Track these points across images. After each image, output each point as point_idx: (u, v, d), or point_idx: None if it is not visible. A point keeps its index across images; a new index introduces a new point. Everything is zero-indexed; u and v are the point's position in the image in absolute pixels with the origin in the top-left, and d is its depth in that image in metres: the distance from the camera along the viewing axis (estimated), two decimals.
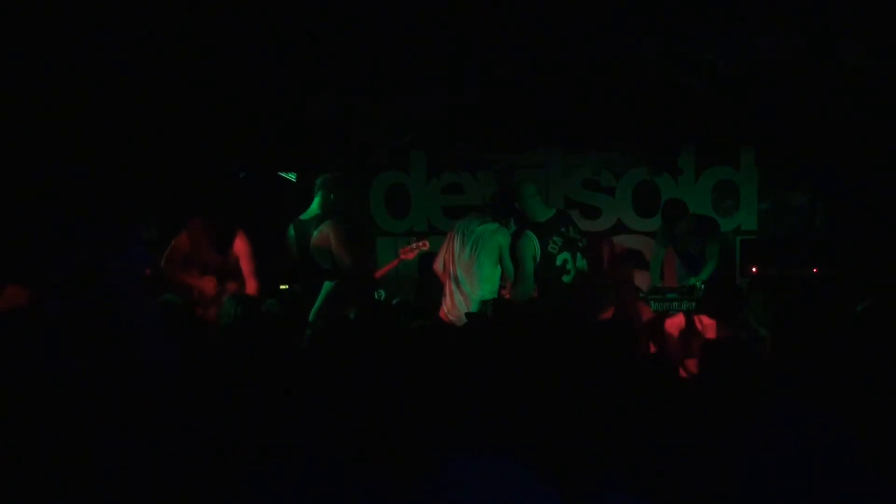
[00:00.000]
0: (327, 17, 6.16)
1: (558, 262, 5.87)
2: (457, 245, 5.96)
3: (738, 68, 6.73)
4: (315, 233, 6.03)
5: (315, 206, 6.16)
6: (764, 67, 6.68)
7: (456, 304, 5.97)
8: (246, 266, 5.63)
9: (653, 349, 4.64)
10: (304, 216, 6.18)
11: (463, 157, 8.12)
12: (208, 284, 5.59)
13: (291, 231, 6.16)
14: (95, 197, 6.77)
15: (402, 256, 6.58)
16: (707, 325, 5.10)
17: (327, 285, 5.96)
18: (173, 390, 2.97)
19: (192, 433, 2.71)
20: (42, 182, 6.60)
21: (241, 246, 5.66)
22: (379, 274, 6.65)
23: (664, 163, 7.81)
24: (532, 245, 5.84)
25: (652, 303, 6.20)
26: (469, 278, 5.92)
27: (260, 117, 7.25)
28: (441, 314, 6.03)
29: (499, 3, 6.15)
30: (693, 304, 5.87)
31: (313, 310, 5.88)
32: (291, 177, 7.78)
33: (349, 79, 7.16)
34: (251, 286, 5.63)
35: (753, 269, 6.75)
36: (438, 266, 6.15)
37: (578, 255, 5.99)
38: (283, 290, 6.20)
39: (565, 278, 5.88)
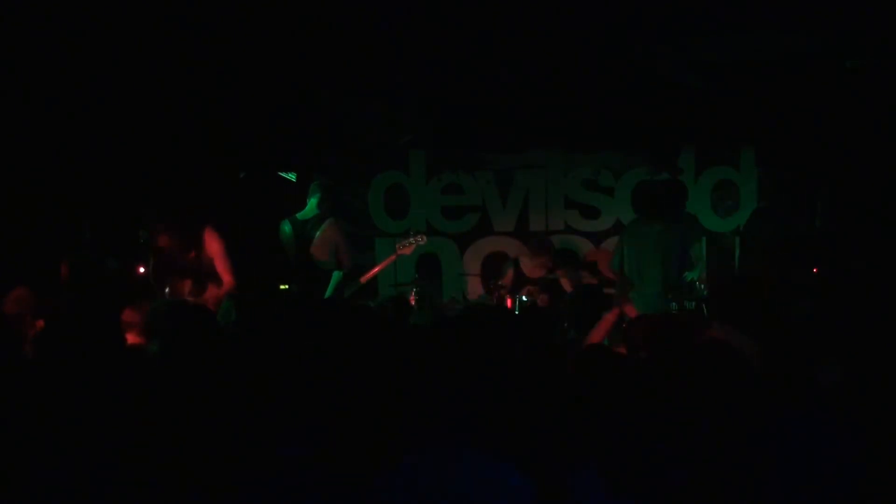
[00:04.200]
0: (328, 17, 6.15)
1: None
2: None
3: (738, 68, 6.73)
4: (317, 232, 6.12)
5: (312, 206, 6.23)
6: (764, 67, 6.67)
7: None
8: (220, 265, 5.49)
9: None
10: (300, 216, 6.24)
11: (463, 157, 8.11)
12: (184, 287, 5.56)
13: (288, 229, 6.19)
14: (99, 200, 6.79)
15: (400, 252, 6.62)
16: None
17: (336, 275, 6.08)
18: (171, 388, 2.97)
19: (174, 431, 2.71)
20: (44, 185, 6.60)
21: (212, 246, 5.56)
22: (376, 270, 6.67)
23: (664, 163, 7.81)
24: None
25: None
26: None
27: (260, 117, 7.25)
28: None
29: (499, 4, 6.15)
30: (693, 303, 5.87)
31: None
32: (291, 177, 7.78)
33: (349, 78, 7.16)
34: (226, 283, 5.49)
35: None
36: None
37: None
38: (283, 290, 6.21)
39: None
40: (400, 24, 6.27)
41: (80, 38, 5.96)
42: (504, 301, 6.86)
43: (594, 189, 8.03)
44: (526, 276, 7.12)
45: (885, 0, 5.76)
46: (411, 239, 6.63)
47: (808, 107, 6.88)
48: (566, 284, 6.92)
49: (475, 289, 8.07)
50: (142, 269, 5.66)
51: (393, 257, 6.68)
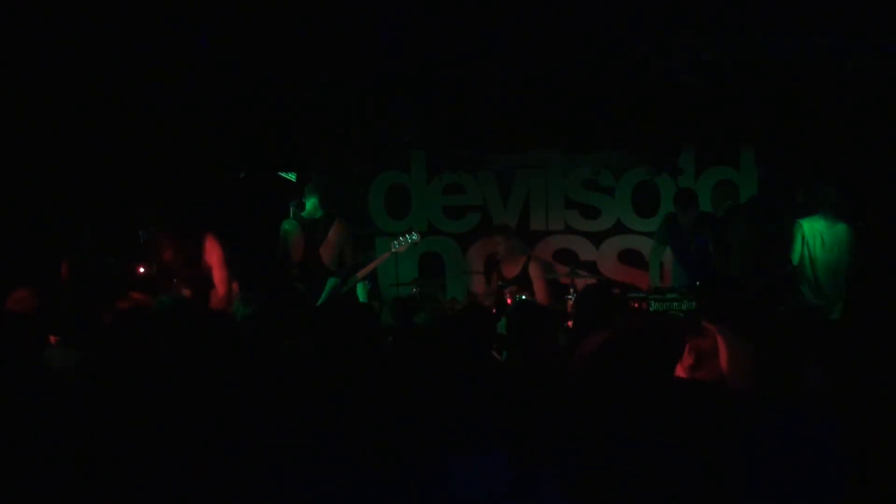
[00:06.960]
0: (328, 17, 6.16)
1: None
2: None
3: (738, 68, 6.73)
4: (328, 233, 6.18)
5: (313, 207, 6.24)
6: (764, 67, 6.68)
7: None
8: (217, 275, 5.58)
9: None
10: (306, 215, 6.27)
11: (463, 157, 8.11)
12: (186, 294, 5.58)
13: (295, 228, 6.20)
14: (99, 200, 6.79)
15: (394, 250, 6.65)
16: None
17: (331, 281, 6.12)
18: (175, 388, 2.97)
19: (194, 429, 2.72)
20: (45, 185, 6.61)
21: (213, 255, 5.60)
22: (370, 268, 6.69)
23: (664, 163, 7.80)
24: None
25: (652, 303, 6.19)
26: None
27: (260, 117, 7.25)
28: None
29: (499, 4, 6.16)
30: (693, 304, 5.87)
31: (319, 302, 6.00)
32: (291, 177, 7.79)
33: (350, 78, 7.17)
34: (221, 293, 5.57)
35: None
36: None
37: None
38: (286, 289, 6.22)
39: None
40: (400, 24, 6.29)
41: (80, 37, 5.97)
42: (504, 299, 6.86)
43: (594, 189, 8.02)
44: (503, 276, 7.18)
45: (885, 0, 5.77)
46: (402, 238, 6.69)
47: (809, 107, 6.88)
48: (539, 284, 7.01)
49: (478, 287, 8.06)
50: (142, 269, 5.68)
51: (386, 255, 6.74)
